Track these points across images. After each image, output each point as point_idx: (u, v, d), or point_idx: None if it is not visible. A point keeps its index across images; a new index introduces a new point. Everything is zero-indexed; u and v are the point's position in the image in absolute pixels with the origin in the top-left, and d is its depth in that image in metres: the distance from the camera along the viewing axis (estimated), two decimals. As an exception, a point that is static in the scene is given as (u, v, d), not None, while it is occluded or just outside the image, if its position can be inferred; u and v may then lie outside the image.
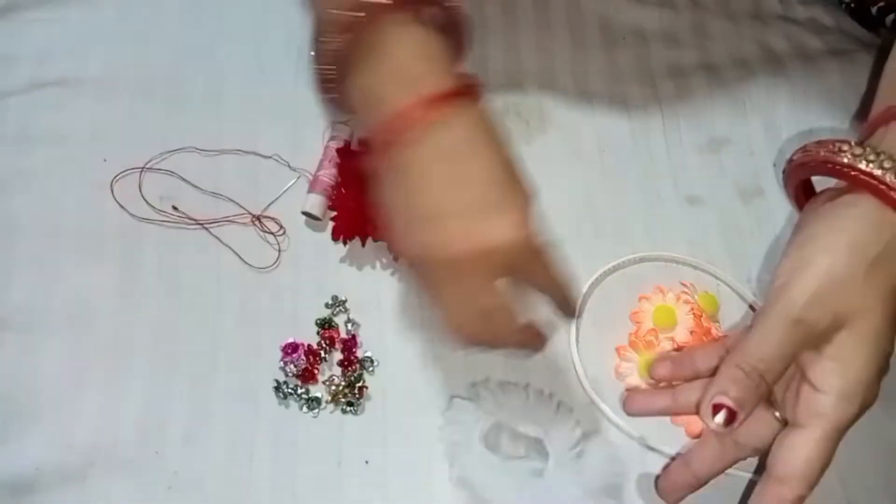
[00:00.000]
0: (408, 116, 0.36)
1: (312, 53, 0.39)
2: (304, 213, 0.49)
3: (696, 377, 0.42)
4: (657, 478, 0.42)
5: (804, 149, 0.42)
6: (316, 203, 0.48)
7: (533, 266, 0.39)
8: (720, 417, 0.36)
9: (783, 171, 0.45)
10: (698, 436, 0.44)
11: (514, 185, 0.37)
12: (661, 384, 0.44)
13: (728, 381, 0.37)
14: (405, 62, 0.37)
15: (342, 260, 0.49)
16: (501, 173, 0.37)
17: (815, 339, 0.37)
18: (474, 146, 0.37)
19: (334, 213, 0.48)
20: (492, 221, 0.36)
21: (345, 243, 0.49)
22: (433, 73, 0.37)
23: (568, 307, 0.43)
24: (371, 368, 0.46)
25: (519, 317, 0.40)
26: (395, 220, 0.38)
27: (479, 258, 0.36)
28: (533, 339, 0.43)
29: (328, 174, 0.49)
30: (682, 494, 0.41)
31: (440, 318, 0.39)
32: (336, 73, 0.38)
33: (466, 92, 0.37)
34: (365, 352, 0.46)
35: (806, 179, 0.44)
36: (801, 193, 0.44)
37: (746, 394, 0.37)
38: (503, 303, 0.39)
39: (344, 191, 0.48)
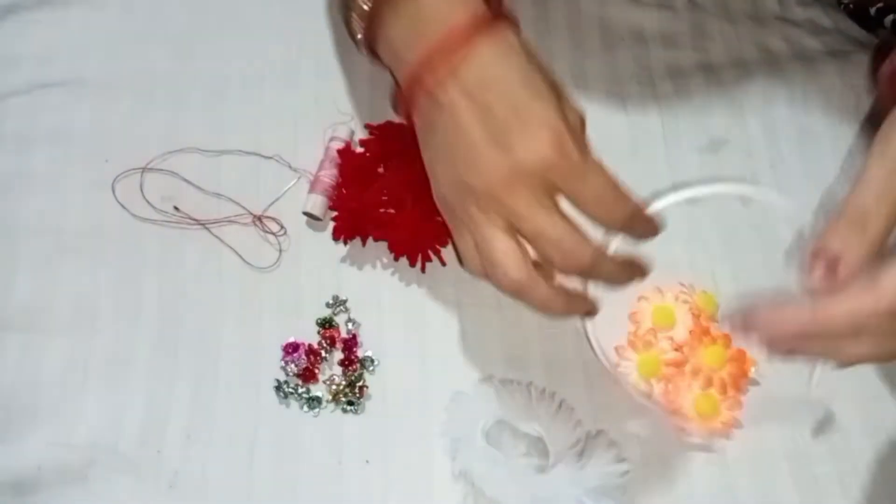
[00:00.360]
0: (449, 42, 0.38)
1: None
2: (305, 214, 0.49)
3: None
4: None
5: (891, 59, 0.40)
6: (317, 203, 0.48)
7: (577, 183, 0.39)
8: (820, 267, 0.33)
9: (876, 82, 0.42)
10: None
11: (543, 104, 0.38)
12: None
13: (832, 230, 0.33)
14: (433, 3, 0.39)
15: (343, 260, 0.49)
16: (529, 95, 0.38)
17: None
18: (502, 73, 0.38)
19: (335, 213, 0.48)
20: (520, 141, 0.37)
21: (345, 243, 0.49)
22: (459, 5, 0.39)
23: (636, 227, 0.41)
24: (371, 368, 0.46)
25: (584, 235, 0.40)
26: (436, 170, 0.40)
27: (514, 181, 0.37)
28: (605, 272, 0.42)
29: (329, 174, 0.49)
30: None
31: (489, 264, 0.40)
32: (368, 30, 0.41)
33: (497, 19, 0.39)
34: (365, 351, 0.46)
35: None
36: None
37: (853, 242, 0.33)
38: (557, 221, 0.39)
39: (344, 191, 0.48)
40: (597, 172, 0.39)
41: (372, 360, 0.46)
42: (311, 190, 0.49)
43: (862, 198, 0.33)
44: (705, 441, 0.45)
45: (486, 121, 0.38)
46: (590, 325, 0.45)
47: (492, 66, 0.39)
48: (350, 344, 0.46)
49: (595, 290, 0.44)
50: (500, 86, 0.38)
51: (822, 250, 0.32)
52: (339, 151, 0.50)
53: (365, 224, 0.48)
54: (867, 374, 0.47)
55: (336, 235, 0.48)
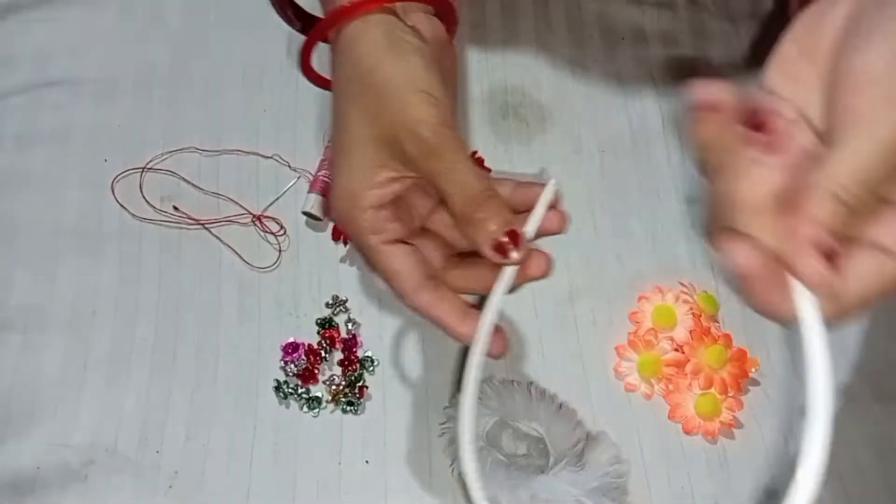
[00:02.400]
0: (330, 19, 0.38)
1: None
2: (305, 213, 0.49)
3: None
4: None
5: None
6: (316, 203, 0.48)
7: (427, 160, 0.35)
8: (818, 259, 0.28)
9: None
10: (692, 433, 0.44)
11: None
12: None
13: (820, 209, 0.27)
14: None
15: (342, 260, 0.49)
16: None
17: None
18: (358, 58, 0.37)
19: None
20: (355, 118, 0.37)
21: (345, 243, 0.49)
22: None
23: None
24: (371, 368, 0.46)
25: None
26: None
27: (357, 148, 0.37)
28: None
29: (328, 174, 0.49)
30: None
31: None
32: None
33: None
34: (365, 351, 0.46)
35: None
36: None
37: (847, 227, 0.28)
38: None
39: None
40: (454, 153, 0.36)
41: (372, 360, 0.46)
42: (311, 189, 0.49)
43: (864, 173, 0.28)
44: (706, 441, 0.45)
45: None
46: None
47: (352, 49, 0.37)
48: (350, 344, 0.46)
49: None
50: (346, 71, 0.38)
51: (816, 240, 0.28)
52: None
53: None
54: (870, 377, 0.47)
55: (335, 235, 0.48)
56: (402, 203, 0.38)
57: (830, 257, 0.27)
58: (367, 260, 0.38)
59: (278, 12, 0.43)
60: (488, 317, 0.36)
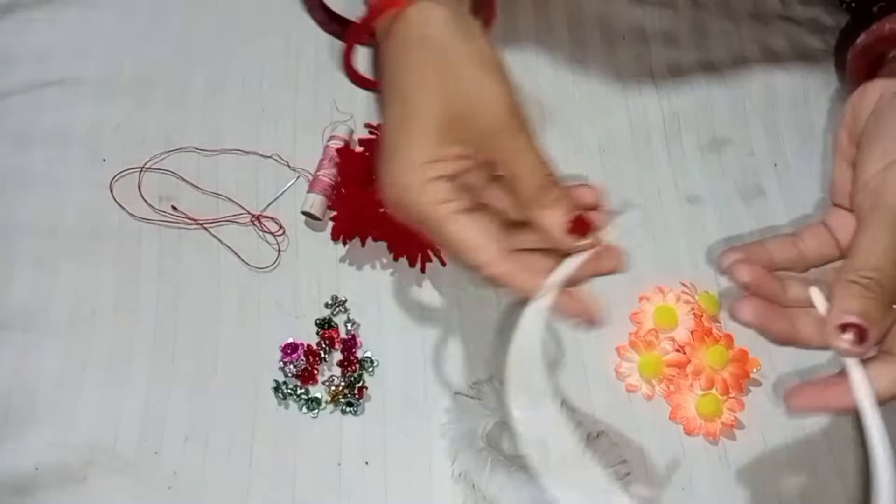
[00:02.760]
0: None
1: None
2: (304, 213, 0.49)
3: (771, 267, 0.37)
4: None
5: (867, 31, 0.41)
6: (316, 203, 0.48)
7: (502, 138, 0.36)
8: (849, 335, 0.32)
9: (846, 60, 0.43)
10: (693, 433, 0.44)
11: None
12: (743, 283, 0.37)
13: (848, 298, 0.33)
14: None
15: (342, 260, 0.49)
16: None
17: None
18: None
19: (334, 213, 0.48)
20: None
21: (345, 243, 0.49)
22: None
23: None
24: (371, 369, 0.46)
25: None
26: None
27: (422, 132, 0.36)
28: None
29: (328, 174, 0.49)
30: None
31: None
32: None
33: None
34: (365, 352, 0.46)
35: (872, 63, 0.42)
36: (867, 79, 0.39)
37: (871, 306, 0.33)
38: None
39: (344, 191, 0.48)
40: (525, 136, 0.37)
41: (371, 361, 0.46)
42: (310, 189, 0.49)
43: (872, 260, 0.33)
44: (707, 442, 0.45)
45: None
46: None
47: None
48: (349, 345, 0.46)
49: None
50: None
51: (846, 322, 0.32)
52: (338, 151, 0.49)
53: (364, 224, 0.47)
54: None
55: (335, 235, 0.48)
56: (459, 182, 0.37)
57: (861, 335, 0.32)
58: (436, 233, 0.36)
59: (310, 14, 0.43)
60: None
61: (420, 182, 0.35)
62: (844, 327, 0.32)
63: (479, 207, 0.38)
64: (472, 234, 0.36)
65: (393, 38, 0.38)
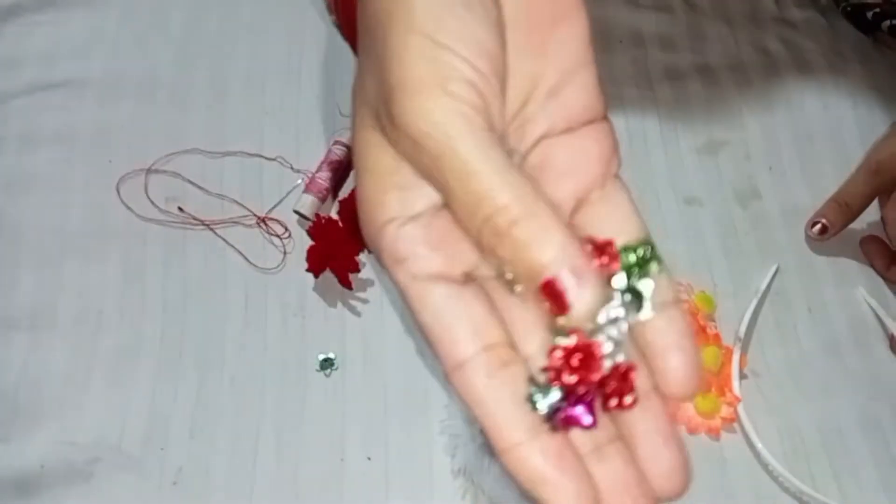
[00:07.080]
0: None
1: None
2: (296, 212, 0.49)
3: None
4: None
5: None
6: (308, 203, 0.49)
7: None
8: (816, 228, 0.51)
9: None
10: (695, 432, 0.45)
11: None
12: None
13: (827, 209, 0.51)
14: None
15: (345, 260, 0.49)
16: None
17: (889, 185, 0.51)
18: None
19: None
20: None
21: (316, 276, 0.47)
22: None
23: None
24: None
25: None
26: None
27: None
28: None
29: (323, 176, 0.50)
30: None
31: None
32: None
33: None
34: (366, 349, 0.46)
35: None
36: None
37: (838, 219, 0.51)
38: None
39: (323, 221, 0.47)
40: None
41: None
42: (306, 190, 0.49)
43: (849, 191, 0.51)
44: (709, 439, 0.45)
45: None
46: None
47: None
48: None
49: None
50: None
51: (816, 220, 0.51)
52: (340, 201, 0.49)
53: (334, 260, 0.47)
54: (862, 376, 0.47)
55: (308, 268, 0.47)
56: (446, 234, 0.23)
57: (824, 232, 0.51)
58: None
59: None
60: None
61: (372, 227, 0.24)
62: (815, 223, 0.51)
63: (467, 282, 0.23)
64: (445, 318, 0.23)
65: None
